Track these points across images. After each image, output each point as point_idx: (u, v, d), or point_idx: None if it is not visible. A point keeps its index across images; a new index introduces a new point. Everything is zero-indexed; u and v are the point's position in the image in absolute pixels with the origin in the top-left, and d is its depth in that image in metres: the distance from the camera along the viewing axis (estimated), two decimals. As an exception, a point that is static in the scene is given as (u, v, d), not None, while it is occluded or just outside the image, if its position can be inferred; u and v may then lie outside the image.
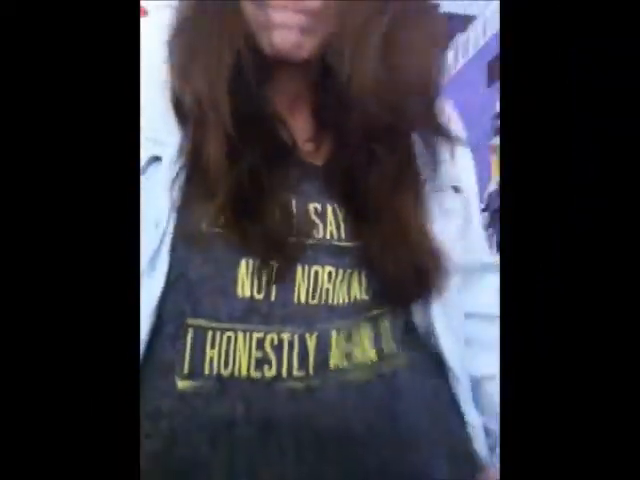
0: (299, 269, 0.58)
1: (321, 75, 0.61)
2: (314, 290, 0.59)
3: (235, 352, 0.55)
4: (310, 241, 0.59)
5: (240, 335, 0.55)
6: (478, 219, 0.79)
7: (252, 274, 0.57)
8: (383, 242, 0.60)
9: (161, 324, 0.58)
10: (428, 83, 0.66)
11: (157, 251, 0.58)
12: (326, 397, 0.56)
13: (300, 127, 0.63)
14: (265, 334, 0.56)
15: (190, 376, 0.57)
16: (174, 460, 0.56)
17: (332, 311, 0.58)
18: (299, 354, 0.56)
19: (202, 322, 0.57)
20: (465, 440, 0.66)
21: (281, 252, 0.56)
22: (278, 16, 0.57)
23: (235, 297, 0.57)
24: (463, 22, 2.65)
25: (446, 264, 0.63)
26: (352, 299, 0.59)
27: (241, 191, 0.57)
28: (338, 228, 0.60)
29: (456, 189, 0.70)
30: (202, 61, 0.63)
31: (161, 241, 0.58)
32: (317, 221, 0.60)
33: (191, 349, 0.58)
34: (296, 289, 0.58)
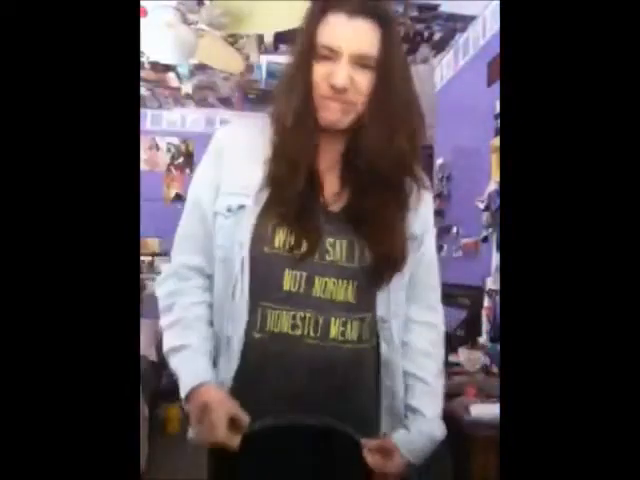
0: (316, 278, 0.96)
1: (349, 146, 1.01)
2: (324, 291, 0.97)
3: (281, 320, 0.96)
4: (324, 262, 0.97)
5: (284, 312, 0.96)
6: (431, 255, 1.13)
7: (291, 278, 0.96)
8: (375, 249, 0.98)
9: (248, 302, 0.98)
10: (413, 154, 1.01)
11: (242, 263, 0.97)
12: (326, 351, 0.96)
13: (330, 182, 1.01)
14: (296, 312, 0.96)
15: (260, 331, 0.97)
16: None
17: (334, 305, 0.97)
18: (314, 326, 0.95)
19: (265, 304, 0.97)
20: (394, 396, 1.05)
21: (306, 267, 0.96)
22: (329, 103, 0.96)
23: (282, 290, 0.96)
24: (463, 22, 2.65)
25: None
26: (346, 301, 0.98)
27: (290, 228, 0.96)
28: (341, 255, 0.97)
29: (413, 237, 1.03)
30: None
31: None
32: (330, 249, 0.97)
33: (261, 318, 0.97)
34: (314, 289, 0.96)
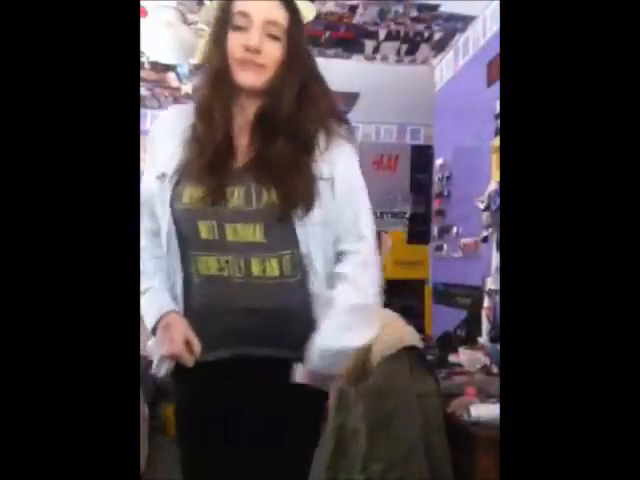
0: (226, 225, 1.08)
1: (261, 108, 1.12)
2: (236, 235, 1.08)
3: (209, 264, 1.09)
4: (226, 209, 1.07)
5: (210, 257, 1.09)
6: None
7: (205, 227, 1.08)
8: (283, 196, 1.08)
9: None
10: (320, 109, 1.13)
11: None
12: (253, 287, 1.09)
13: (242, 139, 1.13)
14: (219, 257, 1.08)
15: (198, 276, 1.11)
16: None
17: (249, 247, 1.08)
18: (237, 267, 1.08)
19: (194, 252, 1.11)
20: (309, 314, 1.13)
21: (214, 217, 1.08)
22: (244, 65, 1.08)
23: (201, 239, 1.09)
24: (463, 22, 2.65)
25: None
26: (258, 242, 1.08)
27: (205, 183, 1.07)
28: (240, 201, 1.08)
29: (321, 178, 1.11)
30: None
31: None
32: (229, 198, 1.08)
33: (194, 264, 1.11)
34: (227, 235, 1.08)
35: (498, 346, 2.28)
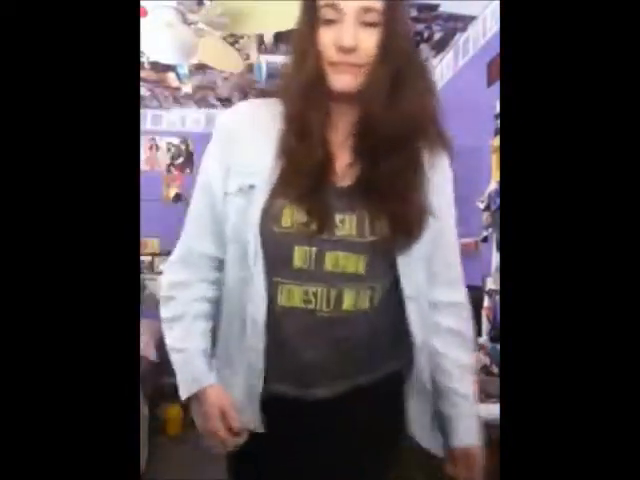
0: (327, 253, 0.96)
1: (359, 115, 0.97)
2: (335, 265, 0.97)
3: (292, 295, 0.97)
4: (334, 237, 0.97)
5: (295, 287, 0.97)
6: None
7: (301, 255, 0.96)
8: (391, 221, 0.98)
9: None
10: (426, 115, 1.01)
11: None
12: (336, 321, 0.98)
13: (342, 156, 1.00)
14: (308, 287, 0.97)
15: (276, 306, 0.99)
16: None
17: (345, 277, 0.97)
18: (327, 299, 0.97)
19: (277, 279, 0.98)
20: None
21: (316, 243, 0.96)
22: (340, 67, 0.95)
23: (292, 267, 0.97)
24: (463, 22, 2.65)
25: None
26: (356, 272, 0.98)
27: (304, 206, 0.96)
28: (351, 231, 0.97)
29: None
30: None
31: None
32: (339, 225, 0.97)
33: (275, 293, 0.99)
34: (325, 264, 0.97)
35: (498, 346, 2.28)
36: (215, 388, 1.01)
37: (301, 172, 0.95)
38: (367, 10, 0.92)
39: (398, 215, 0.96)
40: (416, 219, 0.98)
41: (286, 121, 0.98)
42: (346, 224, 0.97)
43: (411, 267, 1.00)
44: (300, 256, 0.96)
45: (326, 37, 0.93)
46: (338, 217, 0.96)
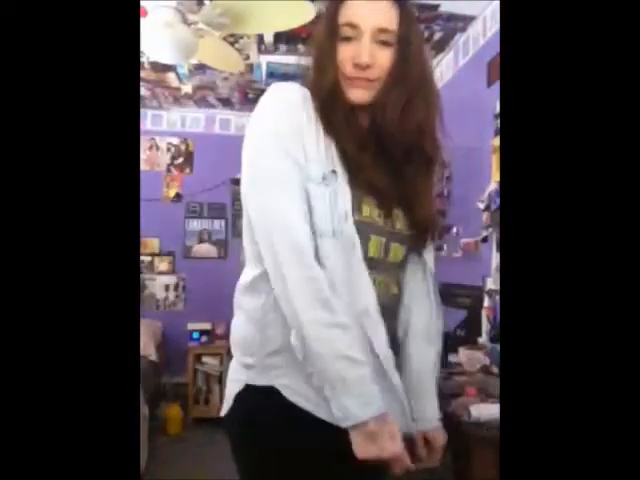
0: (391, 244, 1.05)
1: (371, 121, 1.04)
2: (395, 256, 1.07)
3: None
4: (394, 230, 1.05)
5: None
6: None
7: (375, 244, 1.02)
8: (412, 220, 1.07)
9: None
10: (432, 125, 1.10)
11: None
12: (390, 307, 1.06)
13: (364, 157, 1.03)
14: (376, 277, 1.02)
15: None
16: None
17: (393, 266, 1.07)
18: (385, 287, 1.05)
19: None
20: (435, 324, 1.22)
21: (384, 234, 1.04)
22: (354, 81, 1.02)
23: (367, 257, 1.00)
24: (463, 22, 2.64)
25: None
26: (399, 262, 1.09)
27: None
28: (402, 224, 1.07)
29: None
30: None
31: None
32: (395, 219, 1.06)
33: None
34: (389, 255, 1.05)
35: (498, 346, 2.28)
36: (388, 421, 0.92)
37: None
38: (383, 31, 0.99)
39: (420, 213, 1.06)
40: (434, 216, 1.10)
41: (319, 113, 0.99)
42: (400, 218, 1.06)
43: (430, 255, 1.15)
44: (374, 246, 1.01)
45: (344, 53, 1.00)
46: (394, 212, 1.05)
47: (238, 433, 1.02)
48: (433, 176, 1.12)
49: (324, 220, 0.94)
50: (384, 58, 1.00)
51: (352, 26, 0.99)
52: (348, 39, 1.00)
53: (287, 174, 0.94)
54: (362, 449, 0.90)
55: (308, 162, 0.95)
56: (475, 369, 2.24)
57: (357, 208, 0.98)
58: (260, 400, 0.98)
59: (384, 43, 1.00)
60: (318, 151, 0.96)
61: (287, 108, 0.98)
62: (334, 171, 0.96)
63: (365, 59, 0.98)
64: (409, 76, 1.02)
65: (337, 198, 0.95)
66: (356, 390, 0.89)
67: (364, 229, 0.98)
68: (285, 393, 0.96)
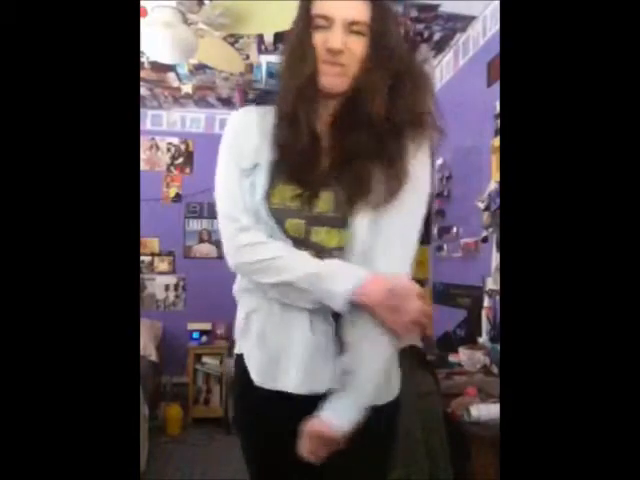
0: (312, 227, 1.06)
1: (342, 108, 1.09)
2: (320, 239, 1.06)
3: None
4: (313, 213, 1.06)
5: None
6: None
7: (292, 226, 1.06)
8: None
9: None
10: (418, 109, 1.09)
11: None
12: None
13: (325, 141, 1.10)
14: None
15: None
16: None
17: (327, 250, 1.06)
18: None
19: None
20: None
21: (303, 217, 1.07)
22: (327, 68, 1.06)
23: (286, 237, 1.06)
24: (463, 22, 2.65)
25: None
26: (338, 247, 1.06)
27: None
28: (329, 207, 1.07)
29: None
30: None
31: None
32: (318, 201, 1.06)
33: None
34: (312, 235, 1.06)
35: (498, 346, 2.28)
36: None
37: (290, 156, 1.07)
38: (355, 22, 1.04)
39: (358, 176, 1.05)
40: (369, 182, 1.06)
41: (278, 114, 1.10)
42: (322, 199, 1.06)
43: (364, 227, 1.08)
44: (291, 226, 1.06)
45: (317, 40, 1.05)
46: (320, 194, 1.07)
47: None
48: (426, 145, 1.10)
49: (250, 208, 1.08)
50: (356, 45, 1.04)
51: (325, 18, 1.05)
52: (321, 27, 1.05)
53: (229, 172, 1.12)
54: (392, 322, 0.97)
55: (242, 160, 1.10)
56: (475, 369, 2.24)
57: (270, 195, 1.06)
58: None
59: (356, 32, 1.04)
60: (250, 152, 1.10)
61: (236, 128, 1.15)
62: (257, 164, 1.08)
63: (337, 45, 1.03)
64: (388, 64, 1.05)
65: (256, 188, 1.07)
66: (329, 273, 1.02)
67: (278, 214, 1.06)
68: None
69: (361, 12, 1.04)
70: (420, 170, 1.09)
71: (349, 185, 1.04)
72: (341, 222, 1.05)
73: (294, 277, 1.02)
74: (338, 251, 1.05)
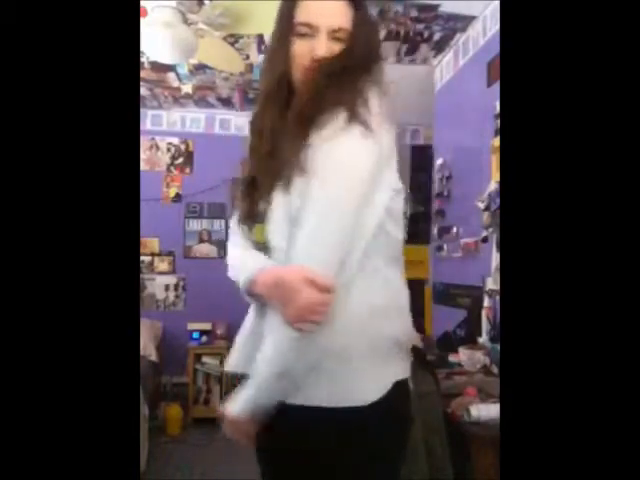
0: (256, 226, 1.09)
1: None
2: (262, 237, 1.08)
3: None
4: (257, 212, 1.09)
5: None
6: None
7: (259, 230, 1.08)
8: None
9: None
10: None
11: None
12: None
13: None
14: None
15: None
16: None
17: (260, 248, 1.08)
18: None
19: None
20: None
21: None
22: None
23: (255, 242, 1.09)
24: (463, 22, 2.65)
25: None
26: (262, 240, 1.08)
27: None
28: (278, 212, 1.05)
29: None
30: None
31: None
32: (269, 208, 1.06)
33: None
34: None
35: (498, 346, 2.28)
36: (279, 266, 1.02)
37: (253, 165, 1.10)
38: (338, 30, 1.07)
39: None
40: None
41: (251, 124, 1.15)
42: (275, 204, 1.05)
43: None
44: (258, 232, 1.08)
45: (301, 48, 1.07)
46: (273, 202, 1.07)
47: None
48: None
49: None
50: (337, 50, 1.07)
51: (309, 26, 1.06)
52: (304, 35, 1.07)
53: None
54: (283, 312, 0.97)
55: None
56: (475, 369, 2.24)
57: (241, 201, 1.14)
58: None
59: (338, 39, 1.07)
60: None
61: None
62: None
63: (322, 53, 1.05)
64: (356, 59, 1.07)
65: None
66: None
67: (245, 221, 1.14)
68: None
69: (344, 19, 1.07)
70: (346, 156, 1.00)
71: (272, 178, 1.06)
72: (263, 217, 1.07)
73: (228, 271, 1.12)
74: (262, 245, 1.06)
